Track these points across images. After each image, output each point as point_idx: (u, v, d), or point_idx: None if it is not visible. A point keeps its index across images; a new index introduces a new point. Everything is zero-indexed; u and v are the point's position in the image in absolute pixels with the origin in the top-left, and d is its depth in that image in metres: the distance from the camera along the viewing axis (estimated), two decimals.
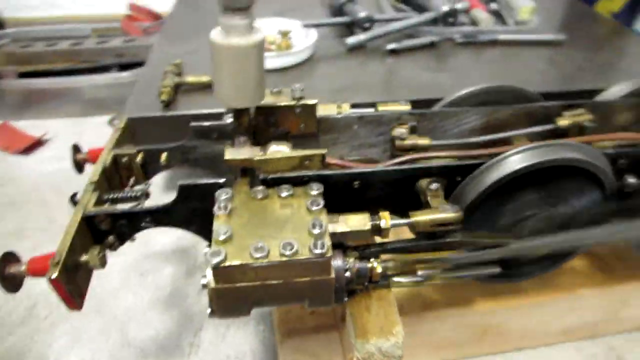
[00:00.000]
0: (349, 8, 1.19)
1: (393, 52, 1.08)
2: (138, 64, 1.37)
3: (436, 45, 1.12)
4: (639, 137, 0.59)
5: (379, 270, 0.50)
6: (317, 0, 1.36)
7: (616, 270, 0.70)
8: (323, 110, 0.62)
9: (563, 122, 0.62)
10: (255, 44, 0.45)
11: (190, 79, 0.94)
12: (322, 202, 0.47)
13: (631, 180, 0.57)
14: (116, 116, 1.33)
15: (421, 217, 0.48)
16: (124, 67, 1.51)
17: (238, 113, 0.52)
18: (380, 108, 0.65)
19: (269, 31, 1.06)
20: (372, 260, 0.50)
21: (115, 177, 0.59)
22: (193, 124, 0.59)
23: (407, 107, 0.65)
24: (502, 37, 1.14)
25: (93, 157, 0.64)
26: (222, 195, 0.47)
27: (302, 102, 0.58)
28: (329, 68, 1.04)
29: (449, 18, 1.15)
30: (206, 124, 0.59)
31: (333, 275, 0.44)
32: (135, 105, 0.90)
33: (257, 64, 0.47)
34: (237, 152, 0.51)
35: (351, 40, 1.09)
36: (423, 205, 0.52)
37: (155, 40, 1.21)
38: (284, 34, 1.07)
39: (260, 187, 0.48)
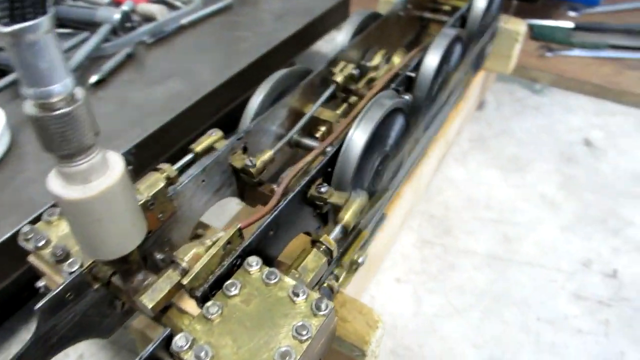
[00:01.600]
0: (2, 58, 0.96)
1: (100, 82, 0.96)
2: None
3: (134, 55, 1.04)
4: (390, 75, 0.74)
5: (336, 284, 0.52)
6: None
7: None
8: (150, 185, 0.54)
9: (339, 79, 0.72)
10: (119, 177, 0.36)
11: None
12: (275, 271, 0.44)
13: (406, 97, 0.73)
14: None
15: (346, 215, 0.51)
16: None
17: (122, 258, 0.41)
18: (198, 148, 0.61)
19: None
20: (325, 281, 0.51)
21: None
22: (39, 305, 0.43)
23: (219, 134, 0.63)
24: (184, 21, 1.13)
25: None
26: (183, 345, 0.39)
27: (152, 192, 0.49)
28: None
29: (125, 24, 1.07)
30: (55, 291, 0.44)
31: (336, 317, 0.44)
32: None
33: (129, 195, 0.37)
34: (156, 292, 0.41)
35: None
36: (322, 207, 0.55)
37: None
38: None
39: (208, 305, 0.42)
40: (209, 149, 0.60)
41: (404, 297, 0.86)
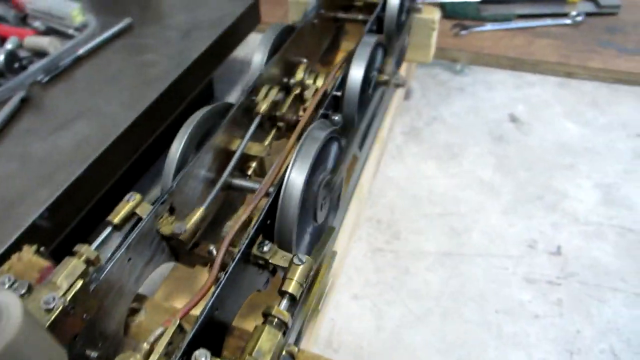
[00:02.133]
0: None
1: None
2: None
3: (29, 98, 0.93)
4: (316, 100, 0.69)
5: (296, 349, 0.48)
6: None
7: None
8: (68, 275, 0.47)
9: (263, 108, 0.67)
10: (19, 324, 0.29)
11: None
12: None
13: (335, 117, 0.69)
14: None
15: (291, 286, 0.47)
16: None
17: None
18: (116, 219, 0.54)
19: None
20: (283, 351, 0.47)
21: None
22: None
23: (137, 198, 0.56)
24: (81, 51, 1.02)
25: None
26: None
27: (70, 293, 0.42)
28: None
29: (12, 64, 0.95)
30: None
31: None
32: None
33: (36, 338, 0.31)
34: None
35: None
36: (267, 265, 0.51)
37: None
38: None
39: None
40: (130, 216, 0.53)
41: (364, 313, 0.85)
